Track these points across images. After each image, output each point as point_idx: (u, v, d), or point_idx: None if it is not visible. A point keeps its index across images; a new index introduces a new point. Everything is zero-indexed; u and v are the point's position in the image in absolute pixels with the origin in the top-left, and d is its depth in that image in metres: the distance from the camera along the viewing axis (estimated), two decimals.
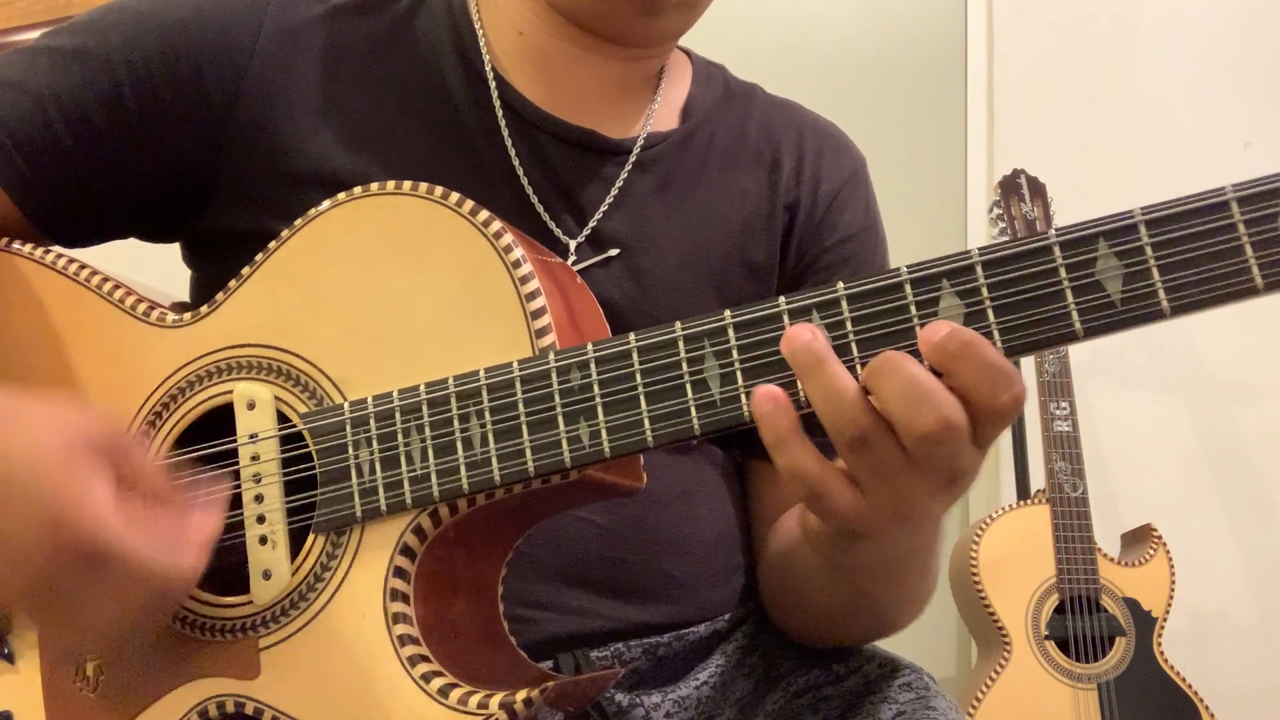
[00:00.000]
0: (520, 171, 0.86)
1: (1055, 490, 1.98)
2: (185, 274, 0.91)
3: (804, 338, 0.59)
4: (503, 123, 0.86)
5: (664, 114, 0.94)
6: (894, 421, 0.58)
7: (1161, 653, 1.96)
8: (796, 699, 0.87)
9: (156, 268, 0.90)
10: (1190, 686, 1.95)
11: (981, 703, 1.90)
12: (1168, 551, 2.01)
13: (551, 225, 0.86)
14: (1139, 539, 2.07)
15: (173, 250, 0.91)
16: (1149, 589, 1.98)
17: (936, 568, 0.81)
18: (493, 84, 0.87)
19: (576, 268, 0.85)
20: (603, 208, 0.87)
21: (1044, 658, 1.94)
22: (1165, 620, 1.98)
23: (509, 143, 0.86)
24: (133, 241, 0.89)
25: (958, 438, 0.58)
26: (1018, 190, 2.10)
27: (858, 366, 0.60)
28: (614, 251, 0.87)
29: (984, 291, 0.59)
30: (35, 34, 0.88)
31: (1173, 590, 1.99)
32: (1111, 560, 2.00)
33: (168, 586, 0.63)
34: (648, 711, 0.82)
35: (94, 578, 0.61)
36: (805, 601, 0.85)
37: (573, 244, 0.86)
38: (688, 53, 1.01)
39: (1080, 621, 1.96)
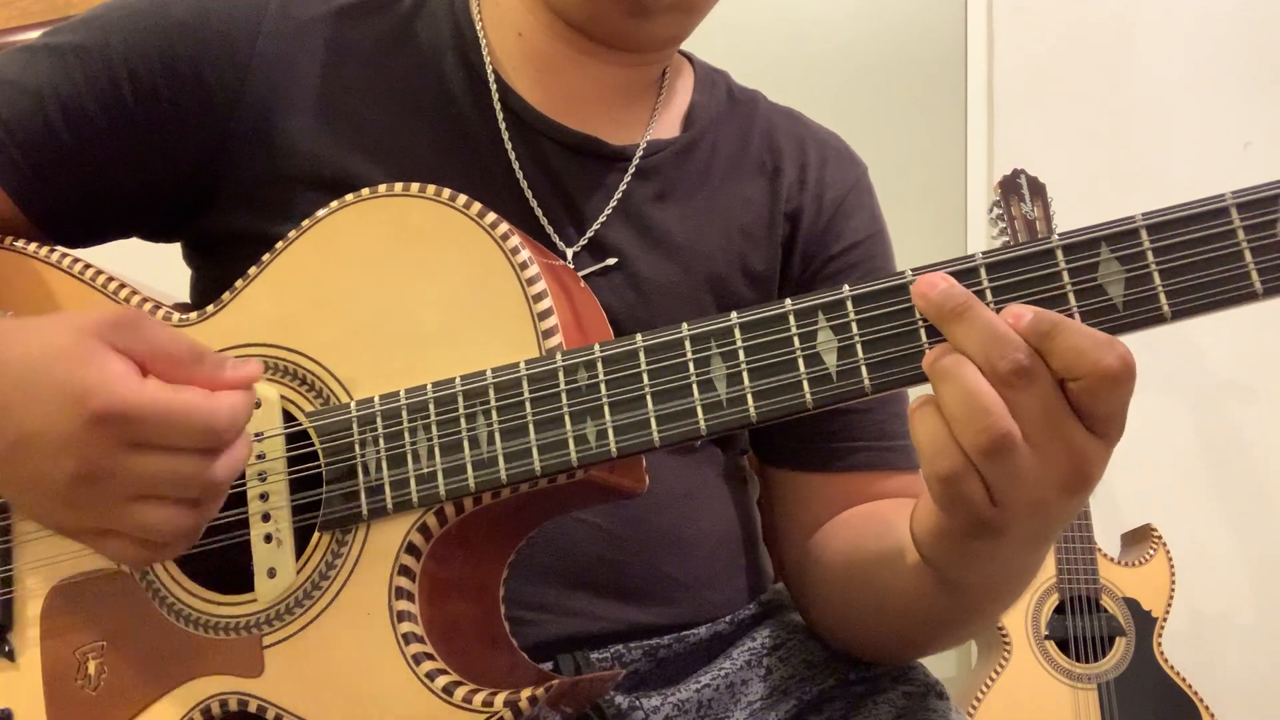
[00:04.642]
0: (520, 175, 0.86)
1: None
2: (186, 274, 0.92)
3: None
4: (503, 126, 0.86)
5: (666, 121, 0.93)
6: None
7: (1161, 653, 1.96)
8: (807, 702, 0.87)
9: (157, 268, 0.90)
10: (1190, 686, 1.95)
11: (981, 703, 1.91)
12: (1168, 551, 2.01)
13: (551, 232, 0.86)
14: (1139, 539, 2.08)
15: (173, 250, 0.91)
16: (1149, 589, 1.99)
17: None
18: (494, 87, 0.87)
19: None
20: (603, 216, 0.87)
21: (1044, 658, 1.94)
22: (1165, 620, 1.98)
23: (509, 146, 0.86)
24: (133, 241, 0.89)
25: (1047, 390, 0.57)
26: (1018, 190, 2.10)
27: (863, 368, 0.60)
28: (613, 260, 0.86)
29: (988, 295, 0.59)
30: (35, 34, 0.88)
31: (1173, 590, 1.99)
32: (1111, 560, 2.00)
33: (211, 424, 0.62)
34: (647, 714, 0.81)
35: (134, 442, 0.61)
36: (893, 617, 0.82)
37: (570, 252, 0.86)
38: (690, 58, 1.00)
39: (1080, 621, 1.96)
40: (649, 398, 0.64)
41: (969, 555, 0.67)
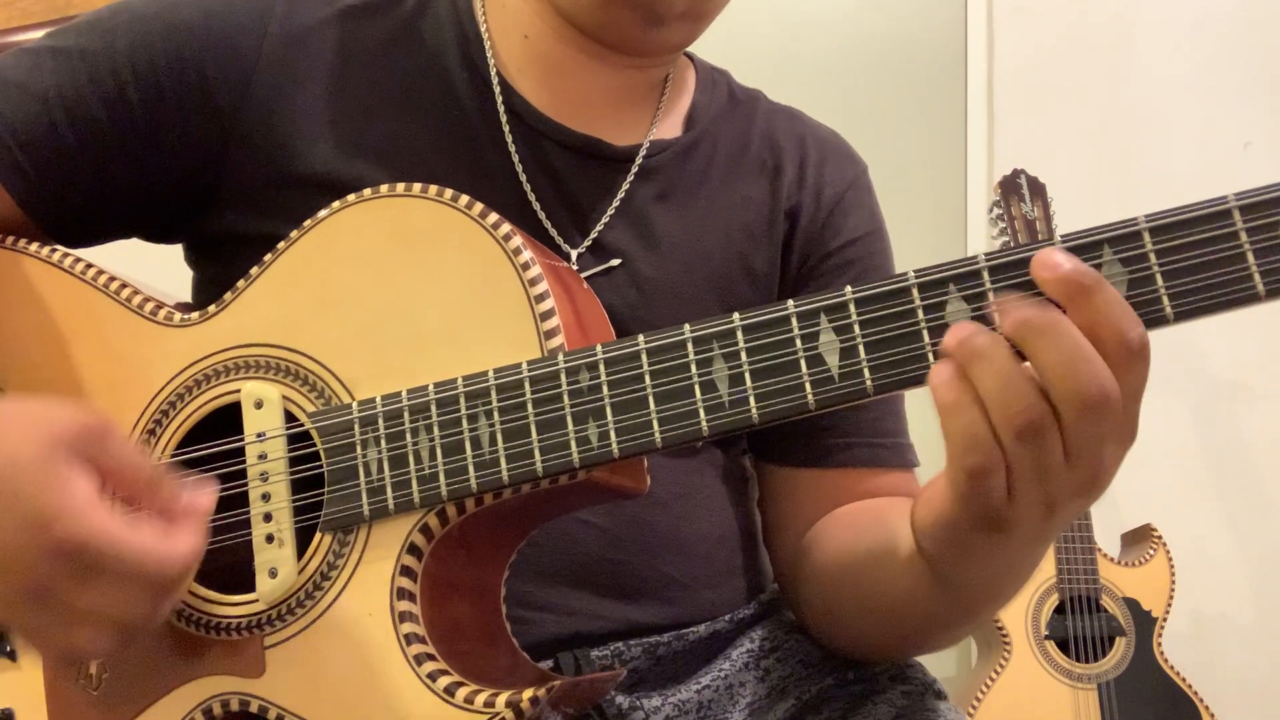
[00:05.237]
0: (524, 177, 0.86)
1: None
2: (187, 274, 0.92)
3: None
4: (506, 128, 0.86)
5: (668, 122, 0.94)
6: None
7: (1161, 653, 1.96)
8: (805, 702, 0.87)
9: (157, 267, 0.90)
10: (1190, 686, 1.95)
11: (981, 703, 1.91)
12: (1168, 551, 2.01)
13: (553, 233, 0.86)
14: (1139, 539, 2.08)
15: (173, 250, 0.91)
16: (1149, 589, 1.99)
17: None
18: (497, 89, 0.87)
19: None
20: (605, 217, 0.87)
21: (1044, 658, 1.94)
22: (1165, 620, 1.98)
23: (512, 148, 0.86)
24: (134, 241, 0.89)
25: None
26: (1018, 190, 2.10)
27: (865, 369, 0.61)
28: (616, 261, 0.86)
29: (990, 296, 0.59)
30: (35, 34, 0.88)
31: (1173, 590, 1.99)
32: (1111, 560, 2.01)
33: (164, 572, 0.61)
34: (647, 715, 0.82)
35: (87, 574, 0.60)
36: (885, 615, 0.82)
37: (574, 253, 0.86)
38: (691, 58, 1.01)
39: (1080, 621, 1.96)
40: (651, 399, 0.64)
41: (969, 550, 0.67)
